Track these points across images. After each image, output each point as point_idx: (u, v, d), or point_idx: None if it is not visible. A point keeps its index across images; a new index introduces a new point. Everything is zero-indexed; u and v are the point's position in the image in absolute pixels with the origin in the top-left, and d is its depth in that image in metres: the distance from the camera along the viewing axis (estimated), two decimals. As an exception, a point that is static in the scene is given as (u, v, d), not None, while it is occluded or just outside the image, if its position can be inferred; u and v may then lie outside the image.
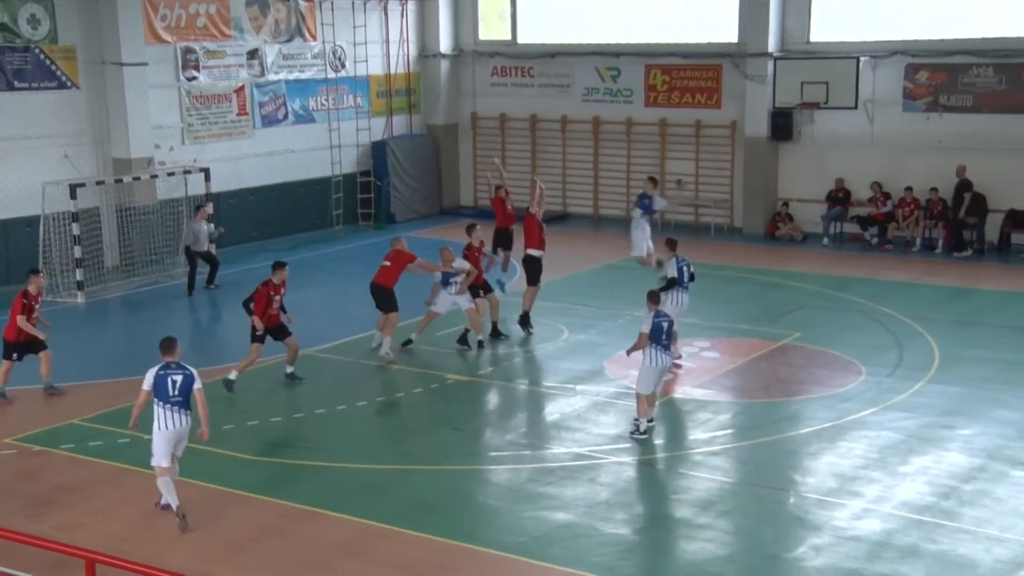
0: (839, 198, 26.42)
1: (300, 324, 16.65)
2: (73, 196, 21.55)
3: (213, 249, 22.88)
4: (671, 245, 17.12)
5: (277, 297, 16.04)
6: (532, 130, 30.51)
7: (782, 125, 26.96)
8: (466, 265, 17.92)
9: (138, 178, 23.33)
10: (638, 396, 14.23)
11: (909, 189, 25.46)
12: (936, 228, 25.26)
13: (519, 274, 20.03)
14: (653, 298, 14.47)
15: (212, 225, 22.74)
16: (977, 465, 13.26)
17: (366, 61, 29.23)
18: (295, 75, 27.81)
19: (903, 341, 18.28)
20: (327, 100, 28.55)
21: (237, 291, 19.33)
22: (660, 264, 18.07)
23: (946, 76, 25.43)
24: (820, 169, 26.91)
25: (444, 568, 10.99)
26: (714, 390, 16.21)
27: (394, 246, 18.02)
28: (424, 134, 31.22)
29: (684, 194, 27.96)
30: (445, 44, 30.99)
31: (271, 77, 27.25)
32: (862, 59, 25.86)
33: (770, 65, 26.76)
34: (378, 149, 29.68)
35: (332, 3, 28.25)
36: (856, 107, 25.87)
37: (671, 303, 16.55)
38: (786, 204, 27.22)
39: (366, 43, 29.14)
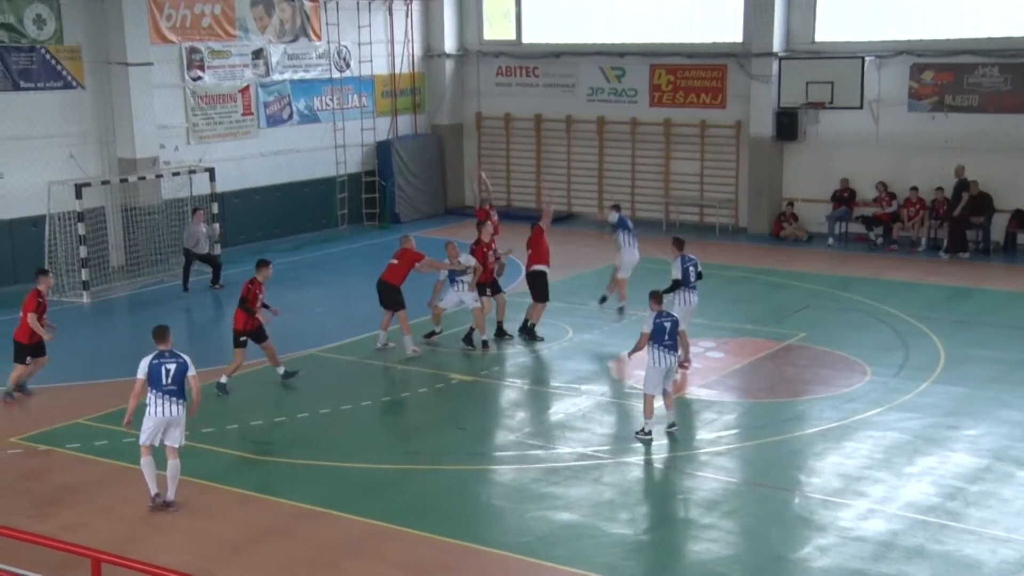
0: (844, 198, 26.38)
1: (304, 323, 16.68)
2: (78, 196, 21.57)
3: (216, 250, 22.87)
4: (678, 244, 17.05)
5: (261, 296, 16.06)
6: (537, 130, 30.50)
7: (787, 125, 26.94)
8: (472, 261, 17.91)
9: (143, 178, 23.36)
10: (646, 397, 14.22)
11: (914, 189, 25.42)
12: (941, 228, 25.23)
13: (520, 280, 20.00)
14: (655, 298, 14.42)
15: (212, 226, 22.72)
16: (983, 466, 13.24)
17: (371, 61, 29.24)
18: (300, 75, 27.82)
19: (908, 341, 18.26)
20: (332, 100, 28.56)
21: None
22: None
23: (952, 76, 25.39)
24: (825, 169, 26.87)
25: (449, 568, 11.00)
26: (719, 390, 16.20)
27: (403, 244, 18.04)
28: (429, 134, 31.22)
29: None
30: (450, 44, 30.99)
31: (276, 77, 27.26)
32: (867, 59, 25.82)
33: (775, 65, 26.73)
34: (383, 149, 29.69)
35: (337, 3, 28.25)
36: (861, 107, 25.84)
37: (679, 303, 16.53)
38: (791, 204, 27.19)
39: (371, 43, 29.16)
